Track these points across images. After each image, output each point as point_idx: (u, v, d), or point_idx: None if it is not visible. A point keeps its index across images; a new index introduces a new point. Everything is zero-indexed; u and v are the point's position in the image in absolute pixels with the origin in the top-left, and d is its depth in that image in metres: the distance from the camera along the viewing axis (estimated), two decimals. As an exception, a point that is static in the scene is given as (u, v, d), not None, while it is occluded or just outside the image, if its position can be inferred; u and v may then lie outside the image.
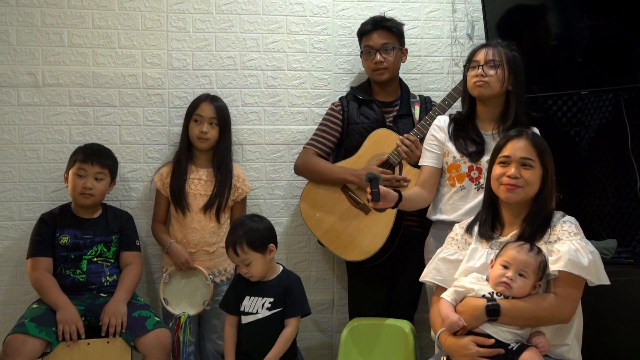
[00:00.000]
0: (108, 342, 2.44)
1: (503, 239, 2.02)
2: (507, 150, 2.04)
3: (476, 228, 2.10)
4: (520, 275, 1.88)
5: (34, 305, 2.53)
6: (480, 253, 2.03)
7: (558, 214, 2.03)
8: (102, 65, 2.94)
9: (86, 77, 2.92)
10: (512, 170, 2.00)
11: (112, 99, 2.95)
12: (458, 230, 2.16)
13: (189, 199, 2.75)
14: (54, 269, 2.58)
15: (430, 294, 2.43)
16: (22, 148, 2.89)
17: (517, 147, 2.03)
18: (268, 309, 2.34)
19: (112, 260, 2.66)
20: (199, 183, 2.78)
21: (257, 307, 2.34)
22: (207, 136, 2.76)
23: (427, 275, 2.13)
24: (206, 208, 2.75)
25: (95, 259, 2.62)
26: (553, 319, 1.89)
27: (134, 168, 2.96)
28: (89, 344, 2.43)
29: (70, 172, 2.64)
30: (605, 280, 1.92)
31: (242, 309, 2.37)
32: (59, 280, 2.55)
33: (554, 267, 1.88)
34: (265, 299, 2.34)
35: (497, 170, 2.05)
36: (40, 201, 2.88)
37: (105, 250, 2.65)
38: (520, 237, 1.98)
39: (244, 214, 2.79)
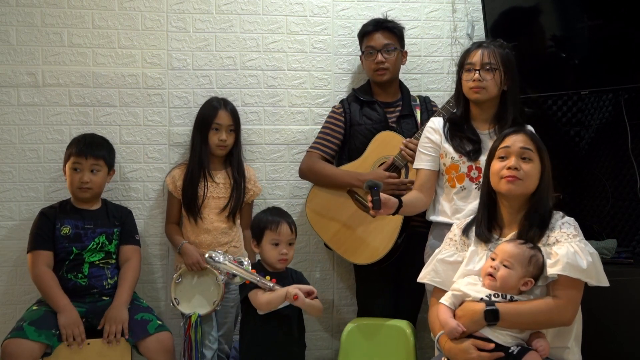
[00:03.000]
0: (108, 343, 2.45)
1: (502, 240, 1.99)
2: (506, 142, 2.02)
3: (474, 229, 2.07)
4: (505, 266, 1.86)
5: (34, 307, 2.52)
6: (480, 256, 2.00)
7: (557, 215, 2.00)
8: (102, 65, 2.93)
9: (86, 77, 2.92)
10: (512, 161, 1.97)
11: (112, 99, 2.94)
12: (456, 230, 2.14)
13: (204, 202, 2.75)
14: (56, 270, 2.56)
15: (430, 294, 2.42)
16: (22, 148, 2.89)
17: (516, 139, 2.01)
18: None
19: (114, 261, 2.65)
20: (212, 186, 2.78)
21: None
22: (226, 143, 2.78)
23: (426, 277, 2.11)
24: (223, 210, 2.76)
25: (97, 262, 2.60)
26: (553, 323, 1.87)
27: (134, 168, 2.96)
28: (89, 344, 2.43)
29: (67, 167, 2.64)
30: (605, 282, 1.90)
31: None
32: (60, 284, 2.53)
33: (552, 270, 1.86)
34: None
35: (496, 165, 2.02)
36: (40, 201, 2.88)
37: (107, 242, 2.63)
38: (518, 238, 1.95)
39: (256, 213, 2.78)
